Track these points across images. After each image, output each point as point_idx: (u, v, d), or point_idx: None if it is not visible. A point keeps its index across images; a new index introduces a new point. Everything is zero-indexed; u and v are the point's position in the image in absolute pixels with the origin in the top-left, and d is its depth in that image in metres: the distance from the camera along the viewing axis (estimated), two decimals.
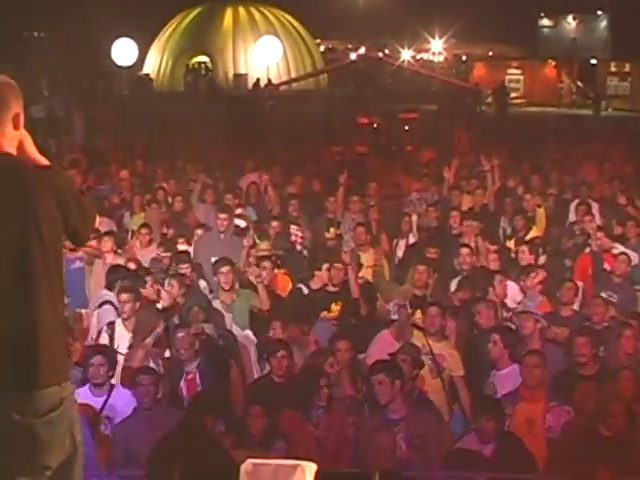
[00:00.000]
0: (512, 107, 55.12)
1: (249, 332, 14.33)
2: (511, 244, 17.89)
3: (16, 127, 6.33)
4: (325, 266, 15.74)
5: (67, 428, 6.28)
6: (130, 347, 13.10)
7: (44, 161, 6.51)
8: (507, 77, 62.28)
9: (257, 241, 17.61)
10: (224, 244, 17.39)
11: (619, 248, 16.78)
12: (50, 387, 6.14)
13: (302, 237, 18.69)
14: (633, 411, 11.17)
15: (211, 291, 15.54)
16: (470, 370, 12.95)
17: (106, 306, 14.41)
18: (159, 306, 14.58)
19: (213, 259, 16.07)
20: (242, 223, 19.49)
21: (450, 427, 12.23)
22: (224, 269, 14.83)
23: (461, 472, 10.82)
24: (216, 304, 14.69)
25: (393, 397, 11.20)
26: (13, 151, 6.33)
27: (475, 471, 10.80)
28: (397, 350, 12.57)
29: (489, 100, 54.81)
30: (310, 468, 7.00)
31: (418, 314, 13.78)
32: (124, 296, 13.75)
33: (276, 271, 16.18)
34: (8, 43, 26.05)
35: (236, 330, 14.30)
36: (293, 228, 18.96)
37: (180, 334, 12.69)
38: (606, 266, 16.33)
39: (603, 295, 15.09)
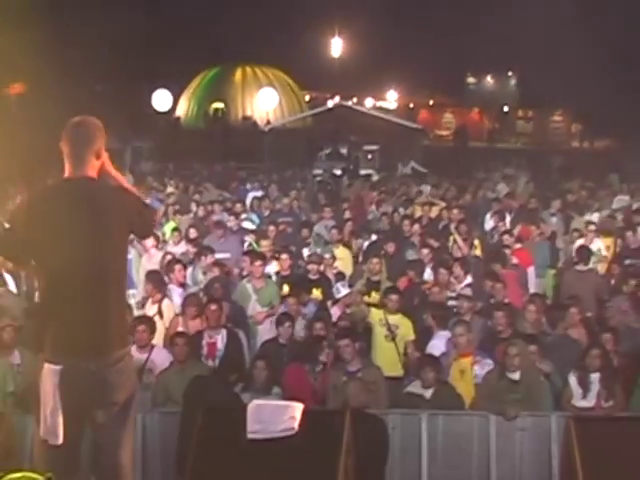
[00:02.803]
0: (446, 142, 55.27)
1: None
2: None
3: (97, 158, 6.40)
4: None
5: (128, 376, 6.48)
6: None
7: (122, 179, 6.62)
8: (443, 120, 62.35)
9: (254, 245, 17.69)
10: (232, 243, 17.64)
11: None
12: (117, 349, 6.27)
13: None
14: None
15: (242, 277, 15.29)
16: (418, 335, 12.96)
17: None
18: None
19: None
20: (250, 225, 19.69)
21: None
22: (257, 262, 14.80)
23: (408, 410, 10.85)
24: (248, 287, 14.52)
25: (353, 355, 11.24)
26: (94, 175, 6.39)
27: (419, 409, 10.86)
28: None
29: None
30: (298, 407, 7.01)
31: (374, 294, 13.72)
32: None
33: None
34: (77, 95, 25.92)
35: (258, 308, 14.16)
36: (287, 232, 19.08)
37: (212, 307, 12.69)
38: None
39: None
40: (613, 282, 15.39)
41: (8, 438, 7.11)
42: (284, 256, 15.79)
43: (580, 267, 15.70)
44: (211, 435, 6.92)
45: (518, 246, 17.14)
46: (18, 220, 6.40)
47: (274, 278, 15.52)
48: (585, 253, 16.17)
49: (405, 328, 12.90)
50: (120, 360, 6.44)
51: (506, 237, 17.49)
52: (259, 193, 23.83)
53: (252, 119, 55.30)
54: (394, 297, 13.21)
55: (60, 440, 6.14)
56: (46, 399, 6.27)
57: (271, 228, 18.94)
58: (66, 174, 6.44)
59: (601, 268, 16.51)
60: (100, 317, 6.34)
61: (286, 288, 14.88)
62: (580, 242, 17.53)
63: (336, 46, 66.27)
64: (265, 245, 17.06)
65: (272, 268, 15.90)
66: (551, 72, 44.59)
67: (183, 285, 14.68)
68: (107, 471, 6.48)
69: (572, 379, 11.32)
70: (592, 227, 18.25)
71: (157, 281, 13.95)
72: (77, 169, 6.40)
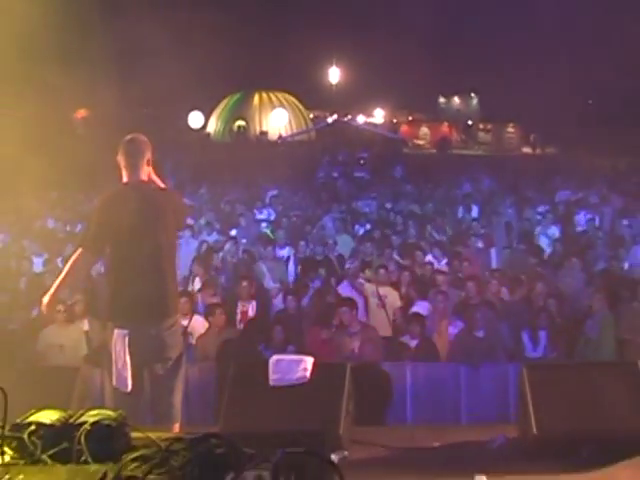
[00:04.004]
0: (422, 150, 55.23)
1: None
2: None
3: (147, 165, 6.56)
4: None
5: (178, 337, 6.67)
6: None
7: (162, 184, 6.77)
8: (420, 132, 62.17)
9: (269, 233, 17.76)
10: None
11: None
12: (171, 317, 6.42)
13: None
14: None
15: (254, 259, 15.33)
16: (404, 303, 13.04)
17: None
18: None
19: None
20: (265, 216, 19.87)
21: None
22: (269, 247, 14.94)
23: (396, 362, 10.94)
24: (263, 267, 14.63)
25: (352, 320, 11.31)
26: (146, 180, 6.56)
27: (404, 358, 10.95)
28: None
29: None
30: (310, 361, 7.08)
31: (367, 272, 13.79)
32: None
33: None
34: (128, 118, 26.08)
35: (271, 284, 14.25)
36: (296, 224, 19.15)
37: (244, 283, 12.74)
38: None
39: None
40: (558, 259, 15.48)
41: (84, 387, 7.26)
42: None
43: (522, 246, 15.89)
44: (241, 383, 7.00)
45: (482, 232, 17.23)
46: (93, 219, 6.62)
47: (292, 259, 15.57)
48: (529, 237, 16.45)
49: (392, 297, 12.97)
50: (173, 325, 6.64)
51: (475, 224, 17.59)
52: (275, 192, 23.85)
53: (267, 133, 55.18)
54: (382, 272, 13.30)
55: (129, 388, 6.32)
56: (117, 356, 6.47)
57: (284, 220, 19.04)
58: (125, 180, 6.62)
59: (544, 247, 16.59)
60: (157, 291, 6.53)
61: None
62: (525, 229, 17.71)
63: (334, 74, 66.49)
64: (280, 233, 17.15)
65: (286, 252, 15.97)
66: (506, 92, 44.57)
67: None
68: (163, 410, 6.66)
69: (524, 336, 11.43)
70: (539, 217, 18.39)
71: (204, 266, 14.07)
72: (133, 175, 6.58)
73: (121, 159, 6.63)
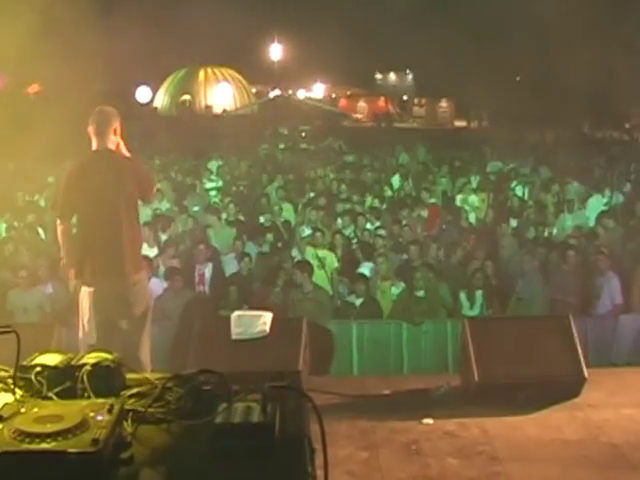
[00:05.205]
0: (360, 123, 55.34)
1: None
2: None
3: (115, 134, 6.66)
4: None
5: (143, 295, 6.75)
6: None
7: (127, 154, 6.85)
8: (358, 106, 62.18)
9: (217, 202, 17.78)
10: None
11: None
12: (133, 275, 6.56)
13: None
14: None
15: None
16: (345, 264, 13.25)
17: None
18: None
19: None
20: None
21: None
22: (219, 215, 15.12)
23: (343, 320, 11.17)
24: (210, 232, 14.68)
25: (304, 280, 11.52)
26: (113, 148, 6.66)
27: (350, 317, 11.19)
28: None
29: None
30: (269, 316, 7.29)
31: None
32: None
33: None
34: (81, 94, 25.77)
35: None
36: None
37: (201, 247, 12.85)
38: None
39: None
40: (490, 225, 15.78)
41: (59, 341, 7.40)
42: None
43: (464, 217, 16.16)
44: (205, 338, 7.18)
45: (432, 201, 17.49)
46: (61, 187, 6.79)
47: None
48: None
49: (330, 259, 13.18)
50: (137, 283, 6.78)
51: (424, 194, 17.75)
52: (221, 162, 23.90)
53: (212, 107, 54.87)
54: (318, 235, 13.50)
55: (94, 341, 6.46)
56: (83, 312, 6.64)
57: (233, 189, 19.11)
58: (94, 147, 6.75)
59: (477, 215, 16.87)
60: (120, 252, 6.66)
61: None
62: (460, 197, 17.95)
63: (275, 50, 66.33)
64: (227, 201, 17.23)
65: (233, 218, 16.02)
66: (439, 69, 44.83)
67: None
68: (131, 364, 6.75)
69: (462, 295, 11.72)
70: (470, 186, 18.68)
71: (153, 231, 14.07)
72: (100, 143, 6.70)
73: (91, 128, 6.76)
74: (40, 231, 14.84)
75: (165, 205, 17.22)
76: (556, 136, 32.10)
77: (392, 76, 75.13)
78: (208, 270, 12.68)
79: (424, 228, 15.46)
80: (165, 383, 3.16)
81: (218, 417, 2.79)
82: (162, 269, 12.56)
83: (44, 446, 2.44)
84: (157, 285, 11.77)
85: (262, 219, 16.03)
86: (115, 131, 6.81)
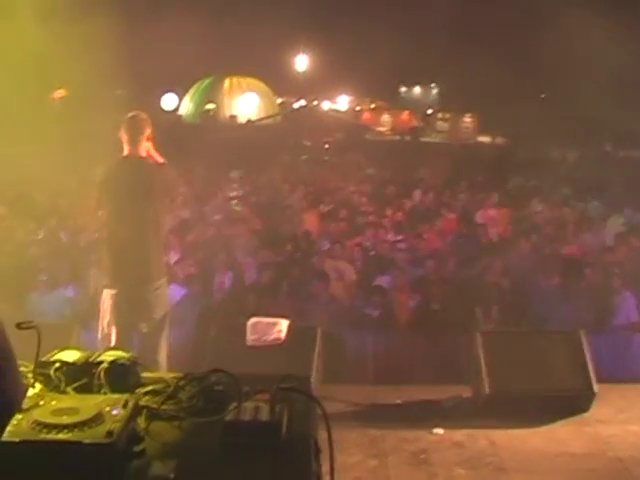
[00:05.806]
0: (383, 136, 55.29)
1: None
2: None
3: (147, 141, 6.81)
4: None
5: (163, 299, 6.86)
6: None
7: (160, 160, 6.98)
8: (381, 119, 62.07)
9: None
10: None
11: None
12: (155, 280, 6.68)
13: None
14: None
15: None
16: (361, 276, 13.29)
17: None
18: None
19: None
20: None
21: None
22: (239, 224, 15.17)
23: (361, 330, 11.23)
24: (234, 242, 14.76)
25: (322, 291, 11.59)
26: (143, 155, 6.80)
27: (366, 327, 11.25)
28: None
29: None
30: (285, 323, 7.38)
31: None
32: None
33: None
34: (104, 99, 25.87)
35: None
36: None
37: (221, 256, 12.96)
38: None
39: None
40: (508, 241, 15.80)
41: (78, 343, 7.50)
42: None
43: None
44: (221, 343, 7.28)
45: (452, 216, 17.51)
46: (96, 191, 6.92)
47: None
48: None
49: (349, 272, 13.25)
50: (158, 288, 6.89)
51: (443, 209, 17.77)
52: (243, 171, 24.09)
53: (236, 117, 54.97)
54: (337, 247, 13.58)
55: (113, 344, 6.57)
56: (104, 314, 6.74)
57: (253, 198, 19.23)
58: (125, 153, 6.87)
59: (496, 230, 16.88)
60: (144, 256, 6.77)
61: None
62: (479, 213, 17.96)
63: (301, 61, 66.58)
64: (246, 210, 17.35)
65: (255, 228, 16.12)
66: (464, 84, 44.84)
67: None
68: (149, 366, 6.88)
69: (477, 310, 11.73)
70: (490, 201, 18.70)
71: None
72: (132, 149, 6.83)
73: (122, 134, 6.90)
74: (61, 235, 15.00)
75: (186, 213, 17.33)
76: (579, 154, 32.05)
77: (417, 89, 75.18)
78: (228, 279, 12.77)
79: (438, 241, 15.50)
80: (178, 382, 3.28)
81: (228, 415, 2.90)
82: (181, 276, 12.67)
83: (61, 436, 2.56)
84: (176, 291, 11.87)
85: (282, 229, 16.10)
86: (147, 138, 6.95)
